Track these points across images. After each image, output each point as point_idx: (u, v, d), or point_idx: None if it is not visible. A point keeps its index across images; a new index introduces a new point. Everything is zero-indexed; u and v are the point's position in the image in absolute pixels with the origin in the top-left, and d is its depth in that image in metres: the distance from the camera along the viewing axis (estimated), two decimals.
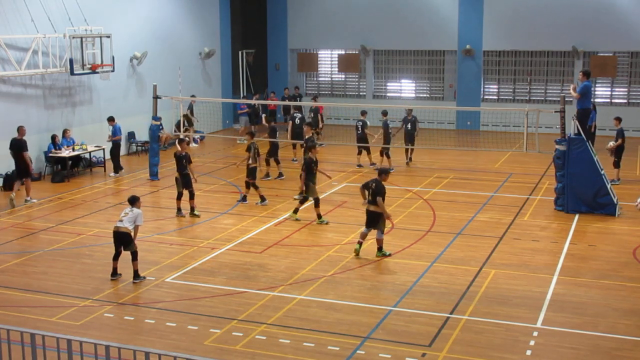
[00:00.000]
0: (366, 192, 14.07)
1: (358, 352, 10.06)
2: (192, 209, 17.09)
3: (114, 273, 12.96)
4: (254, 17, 33.39)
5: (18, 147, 18.72)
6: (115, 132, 22.05)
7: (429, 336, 10.51)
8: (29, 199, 18.70)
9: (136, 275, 12.81)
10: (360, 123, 22.66)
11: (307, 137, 19.39)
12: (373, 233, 14.12)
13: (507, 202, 18.34)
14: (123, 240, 12.78)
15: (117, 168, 22.07)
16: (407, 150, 23.33)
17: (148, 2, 26.45)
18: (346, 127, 30.26)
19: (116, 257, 12.94)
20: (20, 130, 18.92)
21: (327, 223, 16.39)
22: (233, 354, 10.03)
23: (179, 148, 17.57)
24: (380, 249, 14.12)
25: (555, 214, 17.30)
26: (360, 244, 14.15)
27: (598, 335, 10.56)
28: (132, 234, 12.77)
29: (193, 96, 27.17)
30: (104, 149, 22.76)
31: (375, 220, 13.99)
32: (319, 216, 16.47)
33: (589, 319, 11.11)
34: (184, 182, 17.08)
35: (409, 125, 22.93)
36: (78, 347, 7.85)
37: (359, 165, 22.76)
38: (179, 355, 7.38)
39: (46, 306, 11.83)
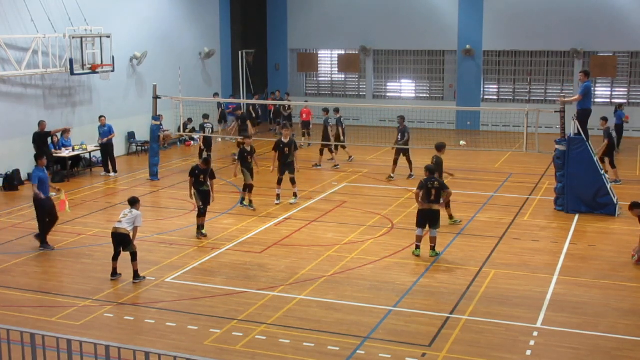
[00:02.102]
0: (422, 192, 13.91)
1: (358, 352, 10.05)
2: (201, 226, 15.62)
3: (114, 273, 12.97)
4: (254, 17, 33.40)
5: (41, 139, 19.92)
6: (106, 132, 21.99)
7: (429, 336, 10.51)
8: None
9: (136, 275, 12.81)
10: (342, 119, 23.33)
11: (287, 140, 18.50)
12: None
13: (507, 202, 18.34)
14: (121, 241, 12.79)
15: (114, 167, 22.04)
16: (409, 163, 21.21)
17: (148, 2, 26.45)
18: (346, 127, 30.24)
19: (115, 258, 12.95)
20: (42, 124, 20.11)
21: (459, 222, 16.31)
22: (233, 354, 10.03)
23: (200, 163, 15.73)
24: (433, 247, 14.08)
25: (555, 214, 17.30)
26: (418, 247, 14.11)
27: (598, 335, 10.56)
28: (131, 235, 12.77)
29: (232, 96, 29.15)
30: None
31: (435, 219, 13.95)
32: (451, 217, 16.40)
33: (589, 319, 11.11)
34: (202, 198, 15.44)
35: (399, 136, 21.21)
36: (78, 347, 7.85)
37: (350, 159, 23.44)
38: (179, 355, 7.38)
39: (46, 306, 11.83)
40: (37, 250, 14.67)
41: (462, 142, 22.33)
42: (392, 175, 21.02)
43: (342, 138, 23.30)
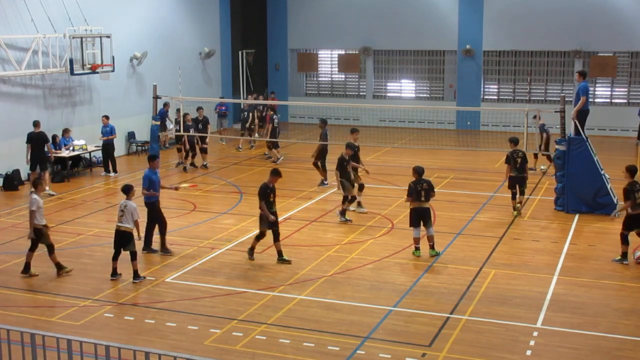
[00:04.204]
0: (412, 195, 13.98)
1: (358, 352, 10.05)
2: (280, 252, 13.86)
3: (114, 273, 12.96)
4: (254, 17, 33.40)
5: (39, 140, 19.40)
6: (108, 132, 21.97)
7: (429, 336, 10.51)
8: (47, 189, 19.35)
9: (136, 275, 12.80)
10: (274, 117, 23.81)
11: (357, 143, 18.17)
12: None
13: (507, 202, 18.27)
14: (125, 239, 12.77)
15: (114, 167, 22.02)
16: (324, 170, 20.34)
17: (148, 2, 26.45)
18: (346, 128, 30.29)
19: (115, 257, 12.94)
20: (37, 124, 19.57)
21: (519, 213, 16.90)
22: (233, 354, 10.03)
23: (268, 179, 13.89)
24: (432, 246, 14.09)
25: (555, 214, 17.30)
26: (418, 248, 14.10)
27: (598, 335, 10.56)
28: (134, 232, 12.75)
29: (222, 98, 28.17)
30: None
31: (427, 216, 14.02)
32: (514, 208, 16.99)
33: (589, 319, 11.11)
34: (260, 220, 13.78)
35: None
36: (78, 347, 7.85)
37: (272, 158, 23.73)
38: (179, 355, 7.38)
39: (46, 306, 11.84)
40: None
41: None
42: (325, 181, 20.25)
43: (274, 137, 23.60)
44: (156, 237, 14.39)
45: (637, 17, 28.45)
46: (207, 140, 23.10)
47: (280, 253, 13.74)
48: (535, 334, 10.61)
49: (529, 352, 10.04)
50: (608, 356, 9.95)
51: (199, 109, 23.48)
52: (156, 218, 14.32)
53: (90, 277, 13.18)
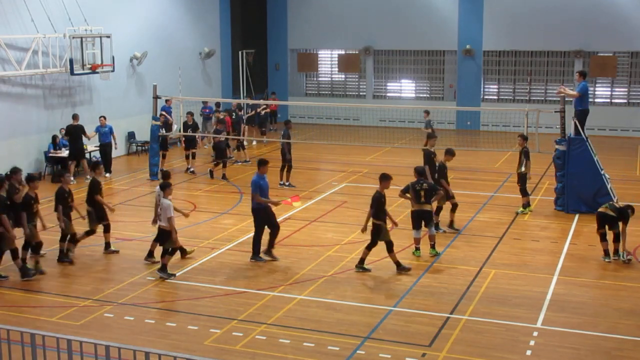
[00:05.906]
0: (412, 194, 13.99)
1: (358, 352, 10.06)
2: (398, 263, 13.22)
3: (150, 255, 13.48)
4: (254, 17, 33.41)
5: (77, 132, 20.93)
6: (107, 132, 21.92)
7: (429, 336, 10.51)
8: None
9: (163, 268, 12.89)
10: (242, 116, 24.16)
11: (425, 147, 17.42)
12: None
13: (507, 202, 18.33)
14: (162, 237, 13.03)
15: (108, 168, 21.98)
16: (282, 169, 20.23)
17: (148, 2, 26.45)
18: (346, 128, 30.33)
19: (162, 254, 13.26)
20: (76, 117, 21.21)
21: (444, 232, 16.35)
22: (233, 354, 10.03)
23: (380, 186, 13.42)
24: (433, 246, 14.10)
25: (555, 214, 17.31)
26: (418, 249, 14.10)
27: (598, 335, 10.56)
28: (172, 231, 12.83)
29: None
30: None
31: (428, 218, 14.04)
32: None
33: (589, 319, 11.11)
34: (377, 232, 13.14)
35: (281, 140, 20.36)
36: (78, 347, 7.84)
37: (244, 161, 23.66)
38: (179, 355, 7.38)
39: (46, 306, 11.84)
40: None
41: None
42: (286, 182, 20.13)
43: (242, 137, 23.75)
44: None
45: (637, 17, 28.45)
46: (199, 145, 23.06)
47: (398, 263, 13.17)
48: (535, 334, 10.61)
49: (529, 352, 10.04)
50: (608, 356, 9.95)
51: (189, 114, 23.05)
52: (266, 223, 13.83)
53: (90, 277, 13.19)
